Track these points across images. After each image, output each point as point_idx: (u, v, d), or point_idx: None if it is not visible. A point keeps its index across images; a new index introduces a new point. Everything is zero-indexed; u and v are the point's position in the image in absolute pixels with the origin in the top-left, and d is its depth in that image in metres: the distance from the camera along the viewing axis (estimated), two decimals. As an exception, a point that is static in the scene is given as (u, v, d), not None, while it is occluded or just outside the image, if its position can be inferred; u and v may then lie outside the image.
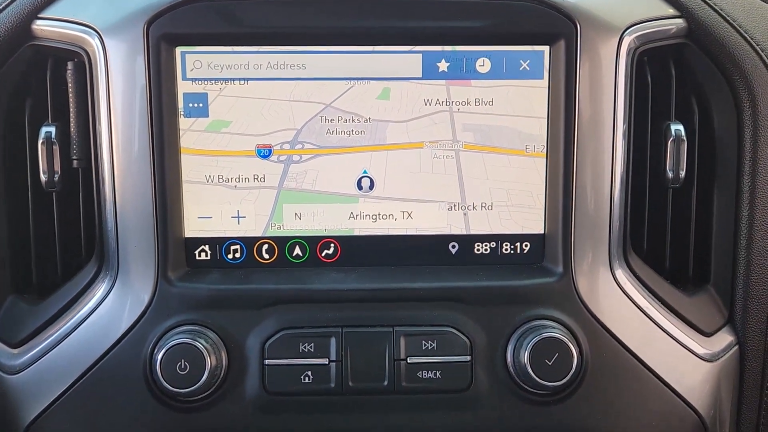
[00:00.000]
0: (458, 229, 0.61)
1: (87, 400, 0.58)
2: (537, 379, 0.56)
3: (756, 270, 0.64)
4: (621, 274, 0.61)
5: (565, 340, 0.56)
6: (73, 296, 0.61)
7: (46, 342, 0.60)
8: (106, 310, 0.59)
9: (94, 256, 0.61)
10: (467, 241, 0.61)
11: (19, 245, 0.64)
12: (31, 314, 0.62)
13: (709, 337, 0.64)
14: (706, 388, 0.62)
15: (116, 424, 0.58)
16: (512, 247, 0.62)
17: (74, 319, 0.60)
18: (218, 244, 0.61)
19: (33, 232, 0.63)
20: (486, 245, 0.62)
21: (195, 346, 0.55)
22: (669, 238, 0.65)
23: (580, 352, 0.57)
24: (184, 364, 0.55)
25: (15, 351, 0.61)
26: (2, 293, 0.63)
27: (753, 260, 0.64)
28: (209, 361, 0.55)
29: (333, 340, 0.57)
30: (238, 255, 0.61)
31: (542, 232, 0.61)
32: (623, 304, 0.61)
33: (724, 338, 0.65)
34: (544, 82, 0.60)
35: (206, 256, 0.61)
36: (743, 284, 0.64)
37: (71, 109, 0.61)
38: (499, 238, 0.61)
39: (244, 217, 0.61)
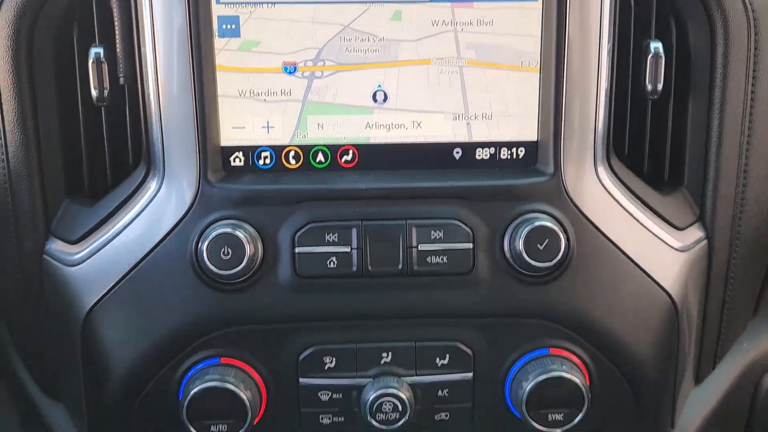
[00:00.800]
0: (462, 137, 0.69)
1: (141, 287, 0.67)
2: (530, 261, 0.65)
3: (724, 173, 0.73)
4: (604, 174, 0.70)
5: (555, 228, 0.65)
6: (125, 197, 0.69)
7: (102, 238, 0.69)
8: (155, 208, 0.68)
9: (142, 162, 0.70)
10: (470, 147, 0.70)
11: (72, 155, 0.72)
12: (86, 215, 0.71)
13: (681, 231, 0.73)
14: (678, 275, 0.72)
15: (166, 306, 0.67)
16: (509, 152, 0.70)
17: (127, 217, 0.68)
18: (250, 151, 0.69)
19: (84, 142, 0.71)
20: (486, 151, 0.70)
21: (235, 235, 0.64)
22: (647, 144, 0.74)
23: (567, 239, 0.66)
24: (227, 250, 0.64)
25: (74, 247, 0.70)
26: (58, 198, 0.72)
27: (722, 164, 0.73)
28: (248, 249, 0.64)
29: (354, 231, 0.66)
30: (268, 161, 0.69)
31: (536, 138, 0.69)
32: (605, 200, 0.69)
33: (695, 233, 0.74)
34: (538, 4, 0.67)
35: (240, 162, 0.69)
36: (713, 186, 0.73)
37: (117, 32, 0.69)
38: (498, 145, 0.70)
39: (273, 127, 0.69)
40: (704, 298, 0.76)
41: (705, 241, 0.74)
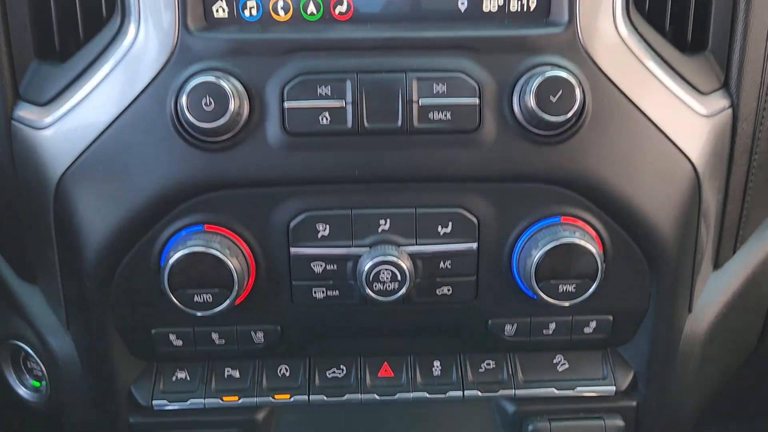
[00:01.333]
0: None
1: (116, 148, 0.62)
2: (542, 115, 0.59)
3: (752, 36, 0.67)
4: (623, 27, 0.63)
5: (569, 78, 0.59)
6: (98, 53, 0.63)
7: (74, 97, 0.63)
8: (130, 61, 0.61)
9: (116, 12, 0.63)
10: None
11: (40, 12, 0.65)
12: (56, 75, 0.65)
13: (705, 96, 0.67)
14: (702, 143, 0.66)
15: (145, 168, 0.61)
16: (519, 3, 0.64)
17: (100, 72, 0.62)
18: (234, 1, 0.63)
19: None
20: (494, 2, 0.64)
21: (219, 84, 0.58)
22: (670, 3, 0.67)
23: (582, 93, 0.60)
24: (209, 100, 0.58)
25: (43, 110, 0.64)
26: (25, 58, 0.66)
27: (750, 26, 0.66)
28: (232, 101, 0.58)
29: (349, 84, 0.60)
30: (254, 12, 0.63)
31: None
32: (624, 55, 0.63)
33: (719, 100, 0.68)
34: None
35: (223, 12, 0.63)
36: (740, 49, 0.67)
37: None
38: None
39: None
40: (727, 172, 0.70)
41: (729, 110, 0.68)
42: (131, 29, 0.62)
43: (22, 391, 0.75)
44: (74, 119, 0.63)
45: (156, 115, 0.61)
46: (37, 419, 0.78)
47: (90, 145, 0.62)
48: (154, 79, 0.61)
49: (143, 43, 0.61)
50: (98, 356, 0.69)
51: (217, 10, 0.63)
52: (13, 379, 0.75)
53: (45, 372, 0.72)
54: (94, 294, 0.65)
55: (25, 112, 0.65)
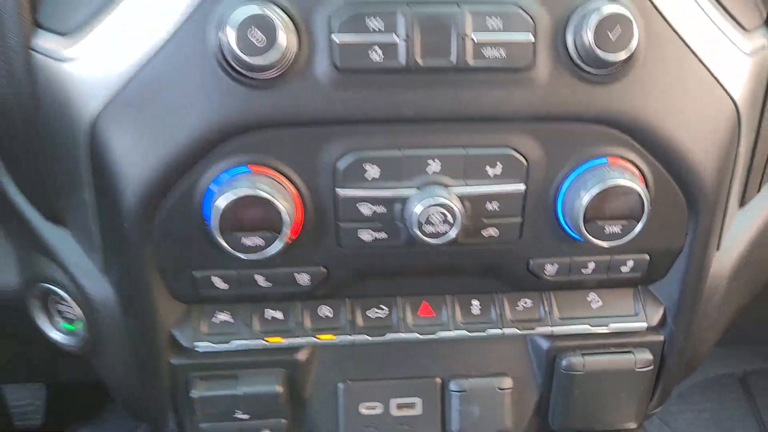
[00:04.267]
0: None
1: (155, 84, 0.59)
2: (599, 53, 0.58)
3: None
4: None
5: (627, 14, 0.58)
6: None
7: (103, 27, 0.59)
8: None
9: None
10: None
11: None
12: (79, 2, 0.61)
13: (748, 32, 0.67)
14: (743, 80, 0.66)
15: (187, 104, 0.59)
16: None
17: (130, 2, 0.58)
18: None
19: None
20: None
21: (266, 15, 0.55)
22: None
23: (641, 29, 0.59)
24: (257, 33, 0.55)
25: (68, 40, 0.60)
26: None
27: None
28: (281, 33, 0.55)
29: (401, 17, 0.57)
30: None
31: None
32: None
33: (760, 38, 0.68)
34: None
35: None
36: None
37: None
38: None
39: None
40: (761, 112, 0.70)
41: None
42: None
43: (55, 334, 0.74)
44: (106, 52, 0.59)
45: (198, 48, 0.58)
46: (67, 362, 0.78)
47: (128, 81, 0.59)
48: (195, 9, 0.57)
49: None
50: (139, 300, 0.67)
51: None
52: (44, 323, 0.74)
53: (81, 315, 0.71)
54: (134, 237, 0.63)
55: (46, 41, 0.61)
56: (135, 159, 0.61)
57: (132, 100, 0.60)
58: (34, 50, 0.62)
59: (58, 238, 0.70)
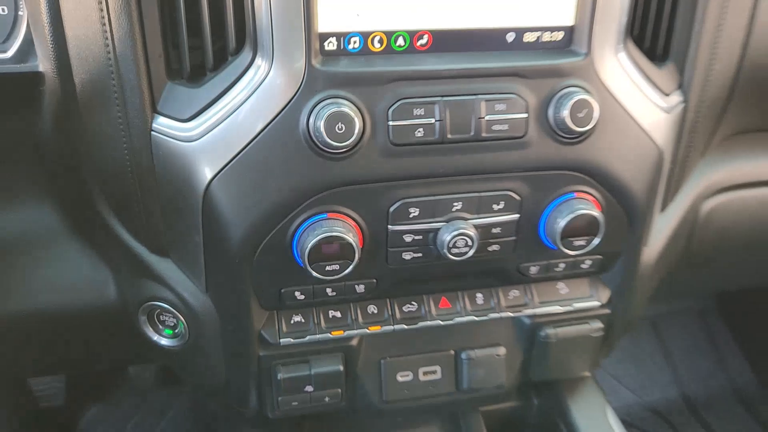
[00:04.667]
0: (514, 22, 0.84)
1: (258, 157, 0.78)
2: (572, 126, 0.82)
3: (701, 50, 0.92)
4: (621, 54, 0.87)
5: (591, 100, 0.83)
6: (234, 79, 0.78)
7: (217, 115, 0.78)
8: (266, 88, 0.77)
9: (247, 45, 0.78)
10: (520, 31, 0.84)
11: (172, 40, 0.79)
12: (192, 95, 0.80)
13: (667, 95, 0.93)
14: (665, 131, 0.93)
15: (282, 173, 0.79)
16: (551, 35, 0.85)
17: (239, 96, 0.78)
18: (342, 36, 0.79)
19: (185, 24, 0.77)
20: (533, 35, 0.85)
21: (346, 112, 0.76)
22: (651, 23, 0.91)
23: (600, 106, 0.84)
24: (341, 125, 0.76)
25: (187, 124, 0.80)
26: (160, 81, 0.80)
27: (700, 45, 0.92)
28: (357, 123, 0.77)
29: (437, 107, 0.80)
30: (356, 45, 0.80)
31: (572, 24, 0.85)
32: (621, 74, 0.87)
33: (676, 98, 0.94)
34: None
35: (332, 46, 0.80)
36: (692, 60, 0.93)
37: None
38: (542, 29, 0.85)
39: (359, 14, 0.79)
40: (676, 147, 0.98)
41: (683, 105, 0.95)
42: (264, 61, 0.77)
43: (161, 340, 0.94)
44: (219, 133, 0.79)
45: (290, 132, 0.78)
46: (169, 358, 0.98)
47: (235, 156, 0.79)
48: (288, 103, 0.78)
49: (275, 74, 0.77)
50: (238, 311, 0.89)
51: (328, 44, 0.80)
52: (151, 332, 0.94)
53: (185, 322, 0.91)
54: (238, 269, 0.84)
55: (165, 123, 0.80)
56: (241, 213, 0.81)
57: (239, 170, 0.79)
58: (154, 131, 0.81)
59: (163, 266, 0.90)
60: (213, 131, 0.79)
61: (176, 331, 0.93)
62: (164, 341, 0.94)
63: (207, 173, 0.80)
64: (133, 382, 1.85)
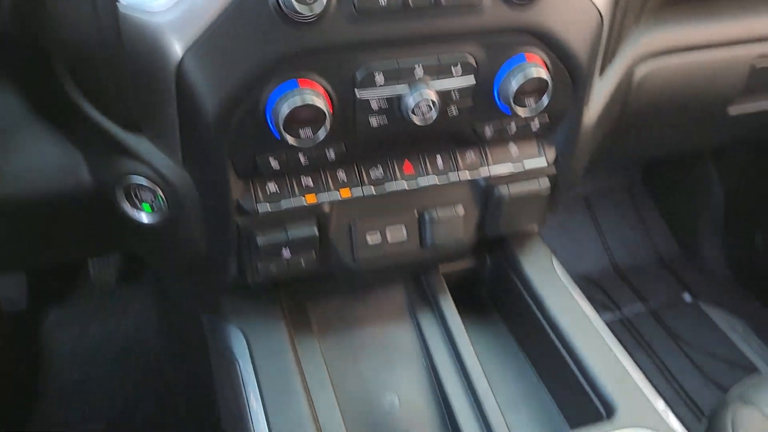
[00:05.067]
0: None
1: (228, 29, 0.80)
2: None
3: None
4: None
5: None
6: None
7: None
8: None
9: None
10: None
11: None
12: None
13: None
14: None
15: (253, 43, 0.81)
16: None
17: None
18: None
19: None
20: None
21: None
22: None
23: None
24: None
25: None
26: None
27: None
28: None
29: None
30: None
31: None
32: None
33: None
34: None
35: None
36: None
37: None
38: None
39: None
40: (613, 11, 1.05)
41: None
42: None
43: (139, 215, 0.98)
44: (189, 6, 0.80)
45: (261, 3, 0.81)
46: (147, 237, 1.02)
47: (208, 27, 0.81)
48: None
49: None
50: (214, 182, 0.93)
51: None
52: (129, 208, 0.98)
53: (163, 196, 0.95)
54: (215, 139, 0.88)
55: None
56: (215, 85, 0.84)
57: (213, 41, 0.81)
58: (120, 7, 0.81)
59: (137, 143, 0.93)
60: (181, 3, 0.80)
61: (154, 206, 0.97)
62: (144, 217, 0.98)
63: (179, 47, 0.82)
64: (95, 283, 1.89)
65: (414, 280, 1.21)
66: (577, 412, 1.06)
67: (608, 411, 0.99)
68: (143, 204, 0.98)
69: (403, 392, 1.11)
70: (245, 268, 1.03)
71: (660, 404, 1.00)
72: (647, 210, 2.48)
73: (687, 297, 2.29)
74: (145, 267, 1.94)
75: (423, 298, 1.19)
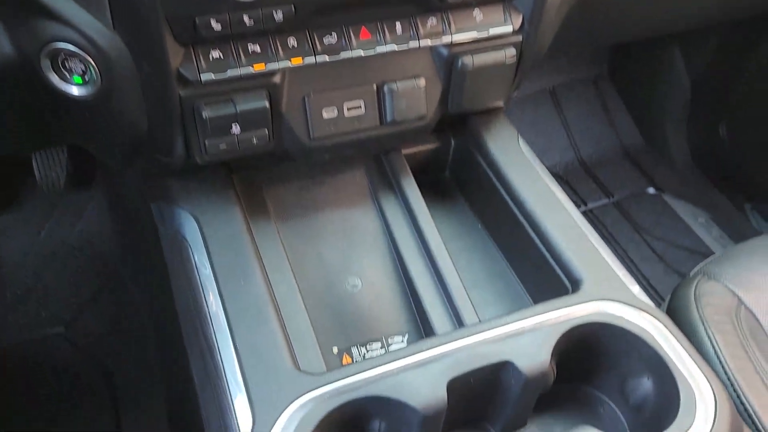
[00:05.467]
0: None
1: None
2: None
3: None
4: None
5: None
6: None
7: None
8: None
9: None
10: None
11: None
12: None
13: None
14: None
15: None
16: None
17: None
18: None
19: None
20: None
21: None
22: None
23: None
24: None
25: None
26: None
27: None
28: None
29: None
30: None
31: None
32: None
33: None
34: None
35: None
36: None
37: None
38: None
39: None
40: None
41: None
42: None
43: (70, 88, 0.89)
44: None
45: None
46: (83, 118, 0.94)
47: None
48: None
49: None
50: (149, 47, 0.85)
51: None
52: (57, 81, 0.89)
53: (94, 65, 0.86)
54: None
55: None
56: None
57: None
58: None
59: (60, 2, 0.83)
60: None
61: (86, 77, 0.88)
62: (74, 90, 0.89)
63: None
64: (42, 187, 1.79)
65: (375, 162, 1.16)
66: (542, 288, 1.04)
67: (574, 285, 0.98)
68: (74, 76, 0.89)
69: (366, 275, 1.07)
70: (192, 146, 0.96)
71: (626, 277, 0.99)
72: (613, 102, 2.44)
73: (651, 190, 2.30)
74: (96, 168, 1.85)
75: (385, 181, 1.14)
